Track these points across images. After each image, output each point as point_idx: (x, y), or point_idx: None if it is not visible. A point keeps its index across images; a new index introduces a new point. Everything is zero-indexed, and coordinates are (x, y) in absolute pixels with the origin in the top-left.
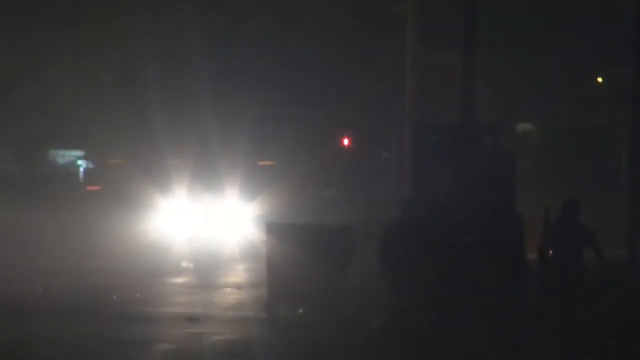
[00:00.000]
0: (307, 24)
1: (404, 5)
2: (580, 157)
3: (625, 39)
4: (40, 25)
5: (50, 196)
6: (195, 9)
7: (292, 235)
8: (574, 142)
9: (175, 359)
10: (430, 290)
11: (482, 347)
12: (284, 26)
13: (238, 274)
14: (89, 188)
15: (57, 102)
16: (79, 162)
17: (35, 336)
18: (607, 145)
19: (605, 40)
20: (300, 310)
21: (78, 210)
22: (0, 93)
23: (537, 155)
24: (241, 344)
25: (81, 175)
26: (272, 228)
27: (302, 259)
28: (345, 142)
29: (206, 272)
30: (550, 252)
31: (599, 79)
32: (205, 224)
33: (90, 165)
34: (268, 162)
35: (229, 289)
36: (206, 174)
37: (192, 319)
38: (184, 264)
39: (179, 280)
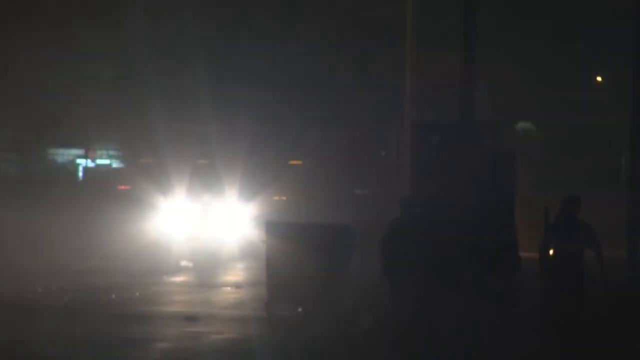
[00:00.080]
0: (306, 25)
1: (404, 5)
2: (580, 157)
3: (625, 39)
4: (40, 25)
5: (50, 196)
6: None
7: (291, 234)
8: (574, 142)
9: (175, 358)
10: (430, 289)
11: (482, 346)
12: (283, 26)
13: (237, 273)
14: (120, 187)
15: (56, 103)
16: (78, 160)
17: (34, 335)
18: (607, 145)
19: (605, 41)
20: (300, 310)
21: (78, 210)
22: (0, 93)
23: (537, 155)
24: (240, 343)
25: (80, 174)
26: (272, 227)
27: (302, 258)
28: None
29: (206, 271)
30: (551, 251)
31: (599, 79)
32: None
33: (121, 165)
34: (296, 162)
35: (229, 288)
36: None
37: (192, 318)
38: (184, 263)
39: (179, 279)
